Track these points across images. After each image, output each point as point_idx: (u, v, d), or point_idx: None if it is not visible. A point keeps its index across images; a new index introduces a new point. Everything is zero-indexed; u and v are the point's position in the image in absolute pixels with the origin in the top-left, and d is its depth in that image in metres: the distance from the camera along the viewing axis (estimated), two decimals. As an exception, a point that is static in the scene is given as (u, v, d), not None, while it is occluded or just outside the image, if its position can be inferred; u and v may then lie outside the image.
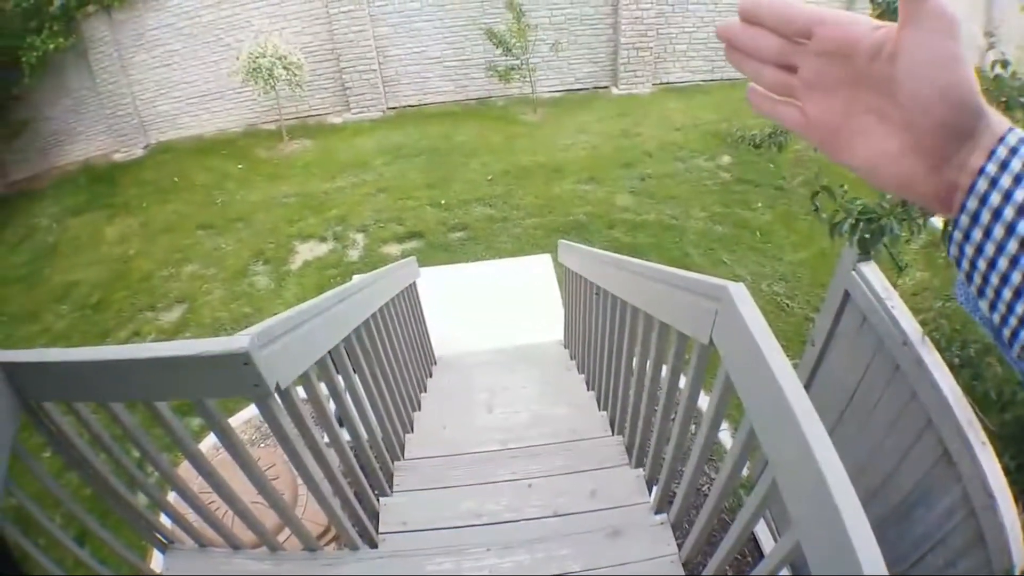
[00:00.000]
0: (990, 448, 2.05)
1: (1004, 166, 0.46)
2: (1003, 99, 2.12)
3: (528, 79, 10.50)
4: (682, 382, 2.13)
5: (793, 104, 0.57)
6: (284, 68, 9.56)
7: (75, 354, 1.72)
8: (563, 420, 3.58)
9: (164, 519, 2.37)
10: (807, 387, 3.17)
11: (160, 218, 9.09)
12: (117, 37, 10.71)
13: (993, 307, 0.48)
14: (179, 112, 11.32)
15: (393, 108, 11.18)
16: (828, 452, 1.05)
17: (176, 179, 10.05)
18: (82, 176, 10.98)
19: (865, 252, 2.59)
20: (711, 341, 1.65)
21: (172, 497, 2.39)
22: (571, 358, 4.83)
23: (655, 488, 2.49)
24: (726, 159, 8.58)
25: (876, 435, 2.57)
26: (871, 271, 2.62)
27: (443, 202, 8.25)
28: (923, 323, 2.43)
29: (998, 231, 0.46)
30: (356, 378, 2.62)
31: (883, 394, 2.52)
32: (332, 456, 2.15)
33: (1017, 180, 0.45)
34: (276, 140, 10.48)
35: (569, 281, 4.72)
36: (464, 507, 2.69)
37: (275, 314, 5.36)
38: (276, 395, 1.63)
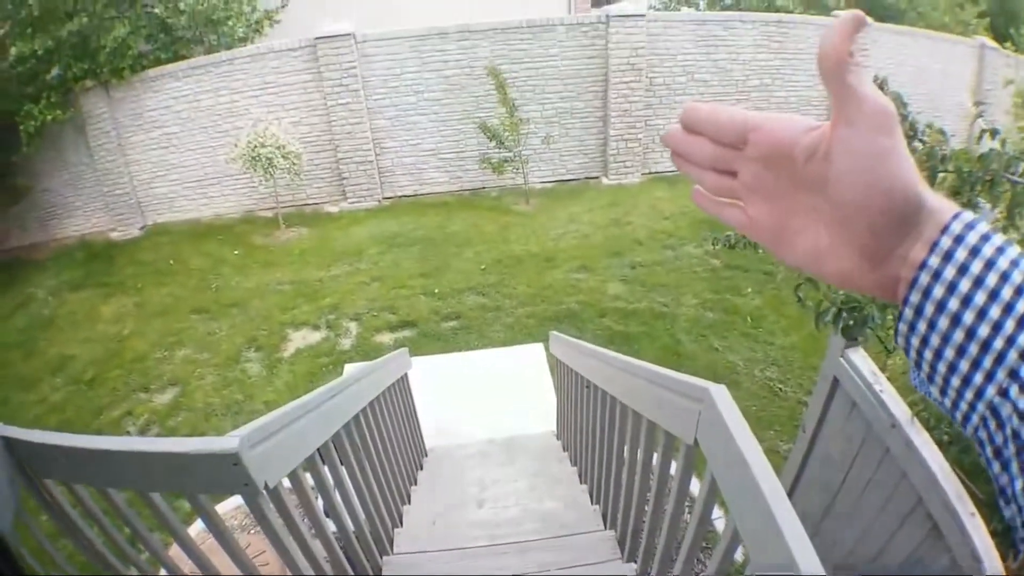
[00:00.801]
0: (979, 518, 2.12)
1: (948, 257, 0.46)
2: (988, 177, 2.13)
3: (521, 170, 10.73)
4: (673, 468, 2.14)
5: (736, 205, 0.59)
6: (283, 157, 9.74)
7: (75, 440, 1.76)
8: (554, 515, 3.54)
9: None
10: (800, 471, 3.22)
11: (155, 300, 9.14)
12: (115, 115, 10.94)
13: (943, 393, 0.49)
14: (176, 195, 11.48)
15: (389, 198, 11.37)
16: (808, 552, 1.07)
17: (172, 262, 10.13)
18: (80, 251, 11.07)
19: (851, 339, 2.66)
20: (696, 442, 1.67)
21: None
22: (563, 449, 4.79)
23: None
24: (715, 246, 8.68)
25: (868, 514, 2.60)
26: (859, 357, 2.70)
27: (436, 291, 8.31)
28: (912, 404, 2.51)
29: (943, 323, 0.47)
30: (344, 472, 2.60)
31: (874, 475, 2.58)
32: (319, 548, 2.13)
33: (962, 270, 0.46)
34: (273, 227, 10.61)
35: (561, 373, 4.74)
36: None
37: (265, 402, 5.38)
38: (265, 493, 1.63)
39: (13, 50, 10.39)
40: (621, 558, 2.83)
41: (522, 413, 5.92)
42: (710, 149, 0.57)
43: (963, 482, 2.23)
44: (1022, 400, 0.44)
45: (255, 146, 9.63)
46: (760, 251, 7.88)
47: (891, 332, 2.70)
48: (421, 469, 4.69)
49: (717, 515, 3.71)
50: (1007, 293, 0.45)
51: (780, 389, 6.00)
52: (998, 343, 0.45)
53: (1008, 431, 0.45)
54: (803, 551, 1.08)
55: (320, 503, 2.28)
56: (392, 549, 3.18)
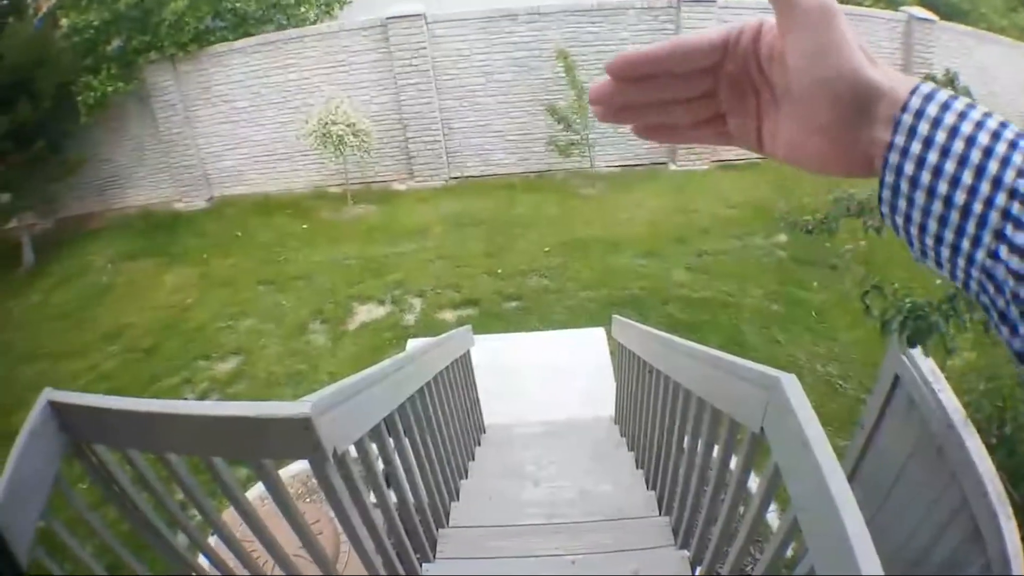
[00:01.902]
0: (1014, 522, 2.14)
1: (912, 132, 0.47)
2: None
3: (587, 154, 10.68)
4: (733, 462, 2.13)
5: (701, 125, 0.60)
6: (353, 135, 9.85)
7: (134, 404, 1.77)
8: (610, 498, 3.55)
9: (203, 562, 2.36)
10: (856, 468, 3.19)
11: (220, 270, 9.36)
12: (182, 88, 11.17)
13: (939, 265, 0.49)
14: (245, 168, 11.71)
15: (455, 178, 11.44)
16: (868, 550, 1.07)
17: (239, 234, 10.37)
18: (141, 221, 11.37)
19: (916, 347, 2.62)
20: (761, 430, 1.66)
21: (213, 541, 2.40)
22: (621, 435, 4.79)
23: (699, 568, 2.46)
24: (782, 237, 8.55)
25: (918, 513, 2.59)
26: (920, 356, 2.66)
27: (500, 271, 8.36)
28: (966, 405, 2.52)
29: (920, 197, 0.47)
30: (407, 443, 2.65)
31: (926, 475, 2.57)
32: (378, 518, 2.18)
33: (928, 143, 0.46)
34: (341, 203, 10.78)
35: (622, 357, 4.72)
36: None
37: (329, 373, 5.52)
38: (332, 459, 1.68)
39: (65, 21, 10.59)
40: (675, 544, 2.83)
41: (580, 396, 5.93)
42: (671, 84, 0.57)
43: (1004, 486, 2.23)
44: (1014, 260, 0.44)
45: (326, 123, 9.74)
46: (828, 244, 7.78)
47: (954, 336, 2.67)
48: (479, 445, 4.75)
49: (769, 510, 3.67)
50: (976, 156, 0.45)
51: (840, 385, 5.89)
52: (977, 207, 0.45)
53: (1008, 294, 0.45)
54: (865, 550, 1.07)
55: (382, 472, 2.32)
56: (448, 522, 3.23)
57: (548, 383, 6.15)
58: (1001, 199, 0.44)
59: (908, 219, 0.49)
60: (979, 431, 2.41)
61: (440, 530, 3.06)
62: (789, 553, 1.71)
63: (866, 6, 12.43)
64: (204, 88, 11.22)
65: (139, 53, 10.71)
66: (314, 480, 4.95)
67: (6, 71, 9.73)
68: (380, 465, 2.28)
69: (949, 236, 0.46)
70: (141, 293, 9.18)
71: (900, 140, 0.47)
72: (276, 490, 1.79)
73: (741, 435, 1.92)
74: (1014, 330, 0.46)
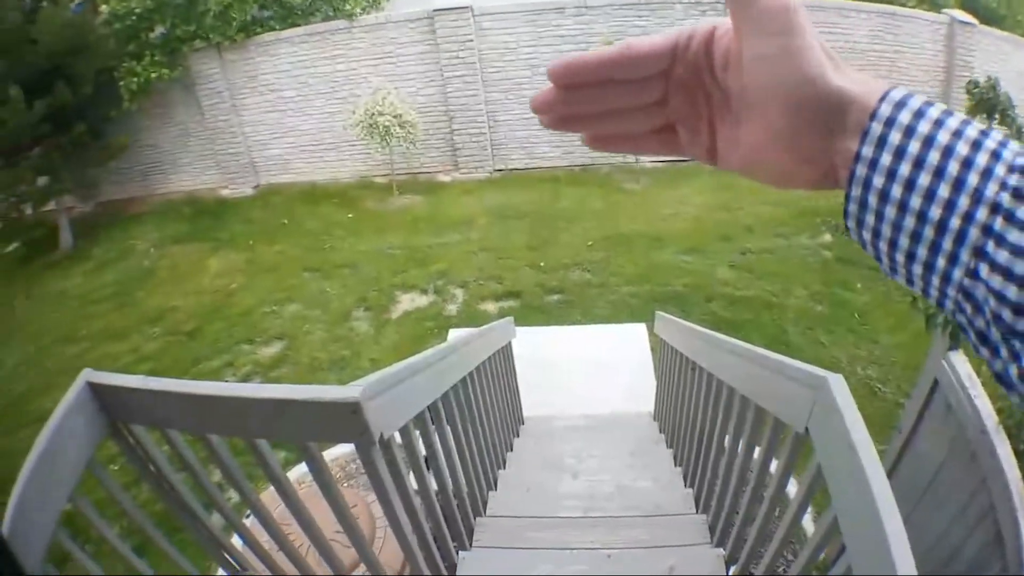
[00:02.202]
0: None
1: (882, 143, 0.44)
2: None
3: (633, 149, 10.60)
4: (773, 465, 2.13)
5: (650, 136, 0.57)
6: (400, 126, 9.91)
7: (179, 385, 1.80)
8: (648, 494, 3.55)
9: (236, 542, 2.39)
10: (892, 471, 3.18)
11: (266, 257, 9.50)
12: (228, 76, 11.30)
13: (910, 282, 0.47)
14: (291, 157, 11.84)
15: (500, 170, 11.46)
16: (905, 553, 1.07)
17: (285, 221, 10.52)
18: (186, 207, 11.55)
19: (957, 344, 2.63)
20: (806, 430, 1.66)
21: (248, 522, 2.43)
22: (660, 431, 4.79)
23: (733, 568, 2.47)
24: (827, 237, 8.46)
25: (948, 516, 2.61)
26: (959, 360, 2.69)
27: (542, 264, 8.38)
28: (999, 411, 2.52)
29: (890, 212, 0.44)
30: (448, 431, 2.68)
31: (959, 479, 2.58)
32: (418, 504, 2.21)
33: (899, 154, 0.43)
34: (386, 193, 10.87)
35: (664, 354, 4.71)
36: (541, 570, 2.72)
37: (371, 360, 5.60)
38: (378, 444, 1.71)
39: (105, 7, 10.68)
40: (711, 543, 2.83)
41: (620, 391, 5.93)
42: (619, 92, 0.53)
43: None
44: (995, 279, 0.41)
45: (373, 114, 9.81)
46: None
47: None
48: (517, 436, 4.78)
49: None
50: (953, 168, 0.42)
51: (879, 389, 5.82)
52: (955, 222, 0.42)
53: (988, 315, 0.42)
54: (902, 553, 1.08)
55: (424, 459, 2.35)
56: (485, 511, 3.26)
57: (588, 377, 6.16)
58: (982, 214, 0.41)
59: (877, 234, 0.46)
60: (1009, 437, 2.42)
61: (478, 519, 3.09)
62: (820, 556, 1.72)
63: (909, 7, 12.20)
64: (251, 77, 11.37)
65: (183, 42, 10.84)
66: (352, 465, 5.05)
67: (42, 56, 9.86)
68: (422, 452, 2.30)
69: (922, 253, 0.44)
70: (185, 277, 9.35)
71: (868, 151, 0.44)
72: (320, 472, 1.82)
73: (785, 434, 1.92)
74: (995, 352, 0.43)
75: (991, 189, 0.41)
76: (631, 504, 3.38)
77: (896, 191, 0.43)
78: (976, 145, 0.42)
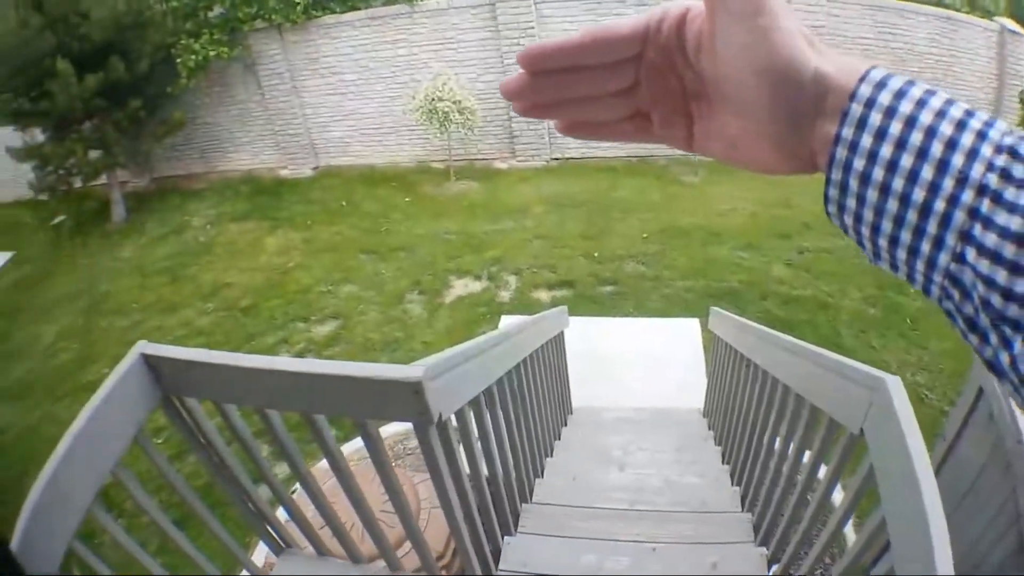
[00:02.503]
0: None
1: (862, 124, 0.42)
2: None
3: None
4: (821, 472, 2.12)
5: (622, 121, 0.55)
6: (459, 112, 9.93)
7: (238, 359, 1.83)
8: (694, 490, 3.55)
9: (280, 515, 2.44)
10: (935, 477, 3.15)
11: (324, 237, 9.63)
12: (289, 57, 11.39)
13: (894, 268, 0.45)
14: (351, 140, 11.95)
15: (556, 159, 11.44)
16: (947, 557, 1.09)
17: (344, 203, 10.64)
18: (244, 185, 11.72)
19: None
20: (861, 432, 1.65)
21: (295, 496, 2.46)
22: (709, 428, 4.77)
23: (775, 567, 2.47)
24: (885, 238, 8.27)
25: (982, 523, 2.59)
26: None
27: (596, 255, 8.35)
28: None
29: (872, 195, 0.42)
30: (500, 416, 2.70)
31: (994, 487, 2.56)
32: (469, 487, 2.24)
33: (881, 135, 0.41)
34: (443, 179, 10.93)
35: (717, 350, 4.68)
36: (585, 560, 2.74)
37: (423, 342, 5.67)
38: (435, 424, 1.75)
39: None
40: (754, 541, 2.82)
41: (671, 386, 5.91)
42: (589, 78, 0.52)
43: None
44: (982, 263, 0.39)
45: (432, 99, 9.84)
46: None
47: None
48: (566, 425, 4.80)
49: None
50: (937, 149, 0.40)
51: (926, 396, 5.70)
52: (939, 205, 0.40)
53: (976, 300, 0.40)
54: (943, 557, 1.11)
55: (477, 442, 2.38)
56: (531, 498, 3.30)
57: (639, 370, 6.15)
58: (968, 196, 0.39)
59: (859, 219, 0.44)
60: None
61: (524, 505, 3.13)
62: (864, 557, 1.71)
63: (963, 12, 11.87)
64: (312, 59, 11.46)
65: (243, 22, 10.93)
66: (400, 446, 5.12)
67: (94, 29, 9.96)
68: (475, 435, 2.33)
69: (906, 238, 0.42)
70: (241, 254, 9.52)
71: (848, 132, 0.42)
72: (376, 450, 1.87)
73: (836, 436, 1.91)
74: (984, 339, 0.41)
75: (977, 170, 0.39)
76: (677, 499, 3.37)
77: (878, 173, 0.42)
78: (961, 125, 0.40)
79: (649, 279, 7.81)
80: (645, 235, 8.72)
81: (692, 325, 6.81)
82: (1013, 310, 0.38)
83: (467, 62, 11.02)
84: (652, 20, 0.50)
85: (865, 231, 0.44)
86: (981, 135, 0.40)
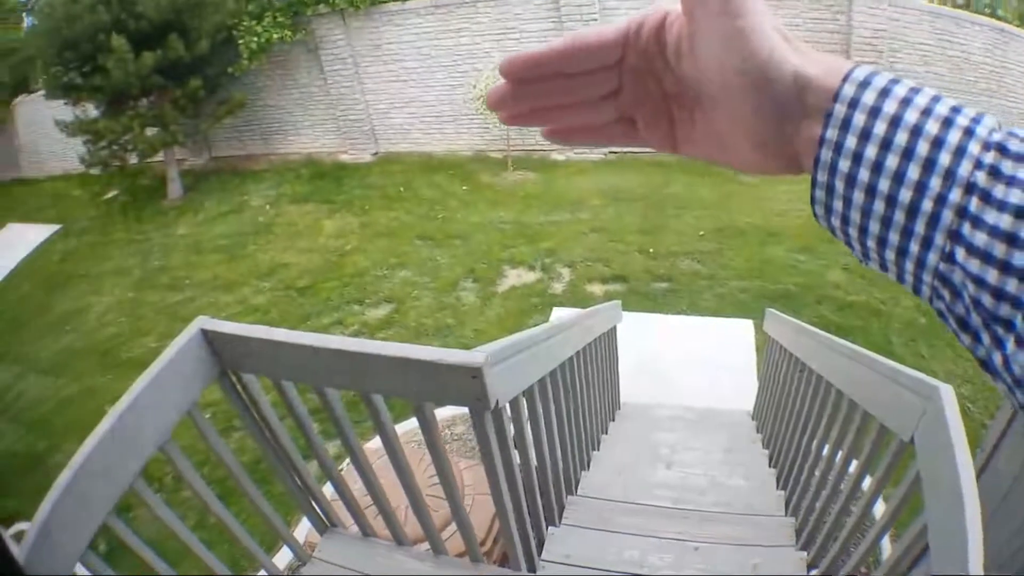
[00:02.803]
0: None
1: (846, 125, 0.41)
2: None
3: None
4: (865, 482, 2.12)
5: (608, 125, 0.54)
6: (519, 102, 9.92)
7: (300, 338, 1.86)
8: (739, 492, 3.54)
9: (327, 491, 2.48)
10: None
11: (381, 222, 9.77)
12: (352, 43, 11.52)
13: (883, 268, 0.45)
14: (411, 127, 12.06)
15: (614, 152, 11.37)
16: (979, 561, 1.12)
17: (402, 189, 10.78)
18: (304, 168, 11.91)
19: None
20: (911, 440, 1.65)
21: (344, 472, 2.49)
22: (757, 431, 4.74)
23: (814, 571, 2.48)
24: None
25: (1007, 533, 2.60)
26: None
27: (651, 250, 8.31)
28: None
29: (858, 197, 0.42)
30: (552, 407, 2.72)
31: (1022, 499, 2.57)
32: (519, 475, 2.25)
33: (865, 136, 0.41)
34: (501, 168, 10.99)
35: (771, 352, 4.64)
36: (627, 555, 2.74)
37: (475, 330, 5.72)
38: (491, 411, 1.78)
39: None
40: (795, 545, 2.82)
41: (721, 387, 5.87)
42: (572, 85, 0.52)
43: None
44: (972, 263, 0.38)
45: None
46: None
47: None
48: (613, 420, 4.81)
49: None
50: (923, 148, 0.39)
51: (968, 408, 5.57)
52: (927, 205, 0.39)
53: (967, 300, 0.40)
54: (976, 561, 1.15)
55: (528, 431, 2.41)
56: (576, 490, 3.32)
57: (690, 369, 6.13)
58: (956, 195, 0.39)
59: (846, 221, 0.44)
60: None
61: (569, 496, 3.15)
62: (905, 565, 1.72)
63: (1015, 25, 11.54)
64: (375, 45, 11.57)
65: (307, 6, 11.03)
66: (447, 432, 5.19)
67: (151, 7, 10.12)
68: (527, 424, 2.36)
69: (894, 239, 0.42)
70: (300, 235, 9.68)
71: (832, 134, 0.42)
72: (430, 431, 1.91)
73: (885, 443, 1.91)
74: (977, 338, 0.41)
75: (965, 168, 0.38)
76: (722, 500, 3.37)
77: (863, 175, 0.41)
78: (947, 123, 0.39)
79: (704, 277, 7.75)
80: (701, 233, 8.64)
81: (746, 326, 6.75)
82: (1004, 309, 0.38)
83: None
84: (632, 25, 0.50)
85: (853, 232, 0.44)
86: (968, 132, 0.39)
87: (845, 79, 0.42)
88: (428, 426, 1.91)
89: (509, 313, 7.31)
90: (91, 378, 7.61)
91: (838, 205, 0.43)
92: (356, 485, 2.39)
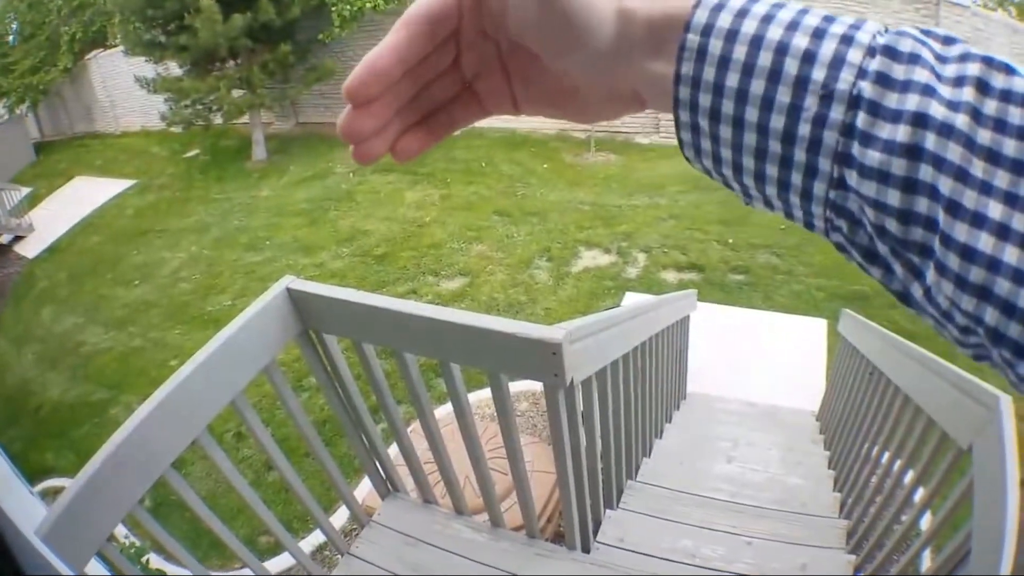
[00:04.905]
0: None
1: (702, 55, 0.36)
2: None
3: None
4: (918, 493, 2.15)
5: (460, 103, 0.48)
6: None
7: (387, 302, 1.92)
8: (796, 491, 3.56)
9: (391, 452, 2.51)
10: None
11: (461, 195, 9.87)
12: None
13: (769, 205, 0.40)
14: (498, 104, 12.07)
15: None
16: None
17: (484, 164, 10.85)
18: None
19: None
20: (969, 448, 1.68)
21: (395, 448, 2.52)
22: (820, 432, 4.71)
23: (860, 575, 2.50)
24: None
25: None
26: None
27: (730, 241, 8.25)
28: None
29: (725, 132, 0.37)
30: (621, 390, 2.75)
31: None
32: (584, 453, 2.25)
33: (724, 64, 0.36)
34: (583, 149, 10.98)
35: (843, 354, 4.60)
36: (681, 544, 2.77)
37: (546, 308, 5.79)
38: (566, 387, 1.83)
39: None
40: (845, 548, 2.83)
41: (788, 384, 5.83)
42: (418, 71, 0.44)
43: None
44: (868, 186, 0.34)
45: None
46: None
47: None
48: (678, 409, 4.84)
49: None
50: (792, 66, 0.34)
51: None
52: (803, 129, 0.35)
53: (869, 228, 0.35)
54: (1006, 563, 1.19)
55: (597, 412, 2.46)
56: (636, 476, 3.37)
57: (759, 364, 6.10)
58: (837, 112, 0.34)
59: (718, 160, 0.39)
60: None
61: (629, 481, 3.20)
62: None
63: None
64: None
65: None
66: (548, 410, 5.24)
67: None
68: (596, 405, 2.41)
69: (772, 172, 0.37)
70: (381, 204, 9.84)
71: (688, 68, 0.37)
72: (503, 403, 1.96)
73: (942, 451, 1.94)
74: (888, 269, 0.37)
75: (845, 80, 0.34)
76: (778, 498, 3.38)
77: (727, 107, 0.36)
78: (818, 34, 0.35)
79: (781, 272, 7.65)
80: (783, 227, 8.50)
81: (819, 325, 6.67)
82: (916, 233, 0.33)
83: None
84: None
85: (728, 172, 0.39)
86: (846, 39, 0.34)
87: (697, 5, 0.37)
88: (502, 397, 1.95)
89: (581, 294, 7.36)
90: (159, 331, 7.88)
91: (706, 144, 0.39)
92: (419, 452, 2.45)
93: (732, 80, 0.36)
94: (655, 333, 3.37)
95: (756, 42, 0.35)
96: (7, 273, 10.61)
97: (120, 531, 1.66)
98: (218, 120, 11.67)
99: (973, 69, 0.33)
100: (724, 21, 0.36)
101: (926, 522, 2.22)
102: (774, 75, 0.35)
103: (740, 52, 0.35)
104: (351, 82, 0.41)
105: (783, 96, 0.34)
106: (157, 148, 13.65)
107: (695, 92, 0.37)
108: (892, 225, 0.34)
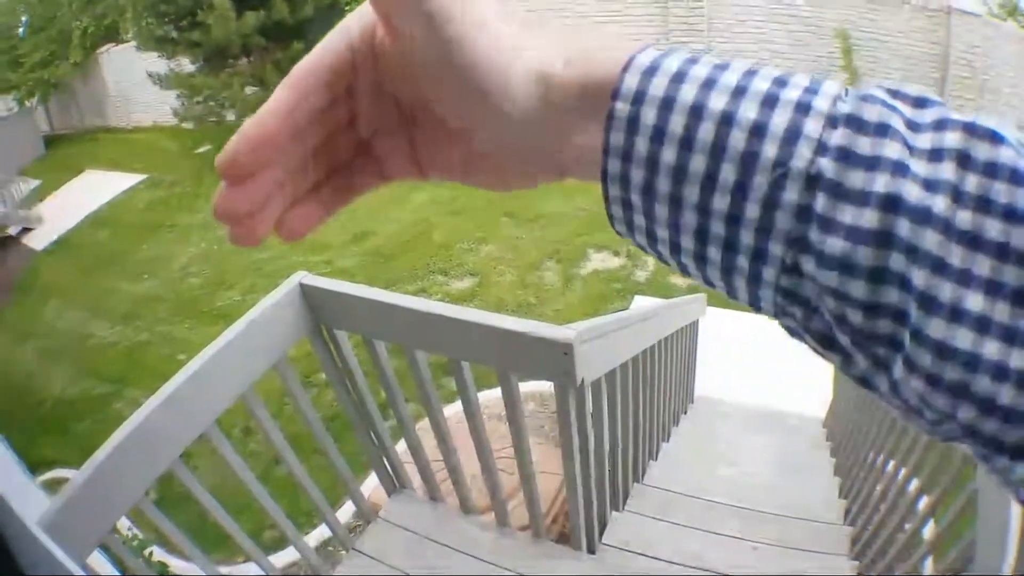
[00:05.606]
0: None
1: (633, 126, 0.31)
2: None
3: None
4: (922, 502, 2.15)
5: (359, 166, 0.44)
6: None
7: (399, 299, 1.93)
8: (800, 496, 3.55)
9: (398, 448, 2.51)
10: None
11: (470, 196, 9.74)
12: None
13: (709, 284, 0.35)
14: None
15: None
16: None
17: (495, 165, 10.82)
18: None
19: None
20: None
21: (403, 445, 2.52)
22: (827, 439, 4.70)
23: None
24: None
25: None
26: None
27: (740, 247, 8.18)
28: None
29: (661, 212, 0.32)
30: (629, 392, 2.76)
31: None
32: (592, 455, 2.25)
33: (658, 137, 0.31)
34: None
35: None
36: (688, 548, 2.77)
37: (555, 310, 5.77)
38: (576, 388, 1.83)
39: None
40: (848, 555, 2.83)
41: (796, 390, 5.79)
42: (297, 141, 0.38)
43: None
44: (828, 275, 0.29)
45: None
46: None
47: None
48: (685, 413, 4.83)
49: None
50: (738, 140, 0.29)
51: None
52: (751, 211, 0.30)
53: (828, 316, 0.30)
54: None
55: (605, 414, 2.44)
56: (643, 478, 3.36)
57: (766, 370, 6.07)
58: (792, 193, 0.29)
59: (652, 238, 0.34)
60: None
61: (635, 484, 3.20)
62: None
63: None
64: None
65: None
66: (557, 410, 5.24)
67: None
68: (605, 406, 2.40)
69: (715, 255, 0.32)
70: (391, 204, 9.80)
71: (617, 139, 0.32)
72: (512, 402, 1.97)
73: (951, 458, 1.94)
74: (848, 359, 0.32)
75: (802, 156, 0.29)
76: (784, 503, 3.37)
77: (663, 184, 0.31)
78: (769, 101, 0.30)
79: (790, 279, 7.61)
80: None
81: (829, 333, 6.61)
82: (884, 326, 0.29)
83: (632, 37, 10.48)
84: (352, 38, 0.40)
85: (664, 251, 0.35)
86: (802, 107, 0.29)
87: (626, 68, 0.32)
88: (511, 396, 1.96)
89: (590, 297, 7.36)
90: (167, 326, 7.90)
91: (640, 221, 0.34)
92: (426, 449, 2.46)
93: (668, 155, 0.31)
94: (664, 336, 3.37)
95: (696, 112, 0.30)
96: (15, 265, 10.61)
97: (123, 523, 1.64)
98: (231, 117, 11.67)
99: (953, 140, 0.28)
100: (658, 88, 0.31)
101: (928, 531, 2.21)
102: (717, 150, 0.30)
103: (677, 124, 0.30)
104: (222, 156, 0.37)
105: (728, 174, 0.30)
106: (168, 143, 13.66)
107: (626, 165, 0.32)
108: (855, 317, 0.29)
